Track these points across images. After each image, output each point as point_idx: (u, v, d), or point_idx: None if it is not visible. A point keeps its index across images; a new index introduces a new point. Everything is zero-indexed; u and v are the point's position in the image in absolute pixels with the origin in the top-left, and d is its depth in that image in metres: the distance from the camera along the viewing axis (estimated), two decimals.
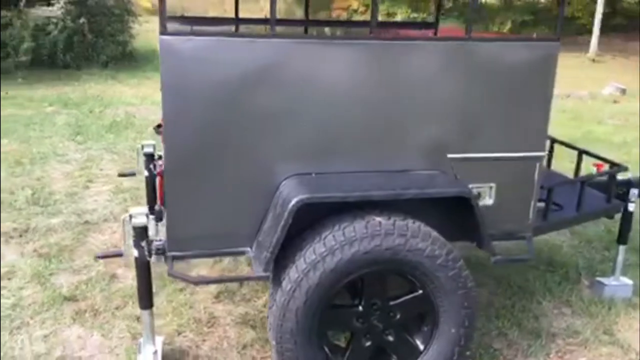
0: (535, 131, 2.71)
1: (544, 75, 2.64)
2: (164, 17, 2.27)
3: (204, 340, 3.01)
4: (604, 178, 3.31)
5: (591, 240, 4.49)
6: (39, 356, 2.85)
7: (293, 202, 2.32)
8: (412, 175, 2.58)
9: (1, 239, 4.08)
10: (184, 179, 2.41)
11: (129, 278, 3.50)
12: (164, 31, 2.26)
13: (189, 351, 2.92)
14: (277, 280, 2.44)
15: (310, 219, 2.46)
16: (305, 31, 3.87)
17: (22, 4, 11.99)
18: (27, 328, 3.08)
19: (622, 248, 3.61)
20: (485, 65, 2.58)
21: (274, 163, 2.47)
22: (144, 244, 2.52)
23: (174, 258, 2.49)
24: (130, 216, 2.49)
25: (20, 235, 4.15)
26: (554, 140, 3.88)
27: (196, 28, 2.89)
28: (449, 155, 2.64)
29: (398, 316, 2.56)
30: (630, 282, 3.67)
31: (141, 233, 2.51)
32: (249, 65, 2.35)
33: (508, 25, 19.64)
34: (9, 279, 3.55)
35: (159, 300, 3.35)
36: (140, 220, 2.50)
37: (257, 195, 2.48)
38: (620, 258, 3.63)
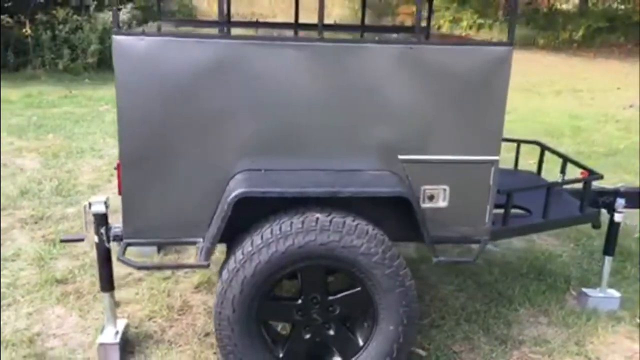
0: (489, 135, 2.72)
1: (497, 79, 2.64)
2: (117, 17, 2.44)
3: (171, 327, 3.16)
4: (579, 186, 3.25)
5: (594, 251, 4.38)
6: (17, 331, 3.07)
7: (232, 195, 2.44)
8: (358, 174, 2.64)
9: (17, 225, 4.39)
10: (138, 172, 2.56)
11: (118, 265, 3.69)
12: (117, 31, 2.43)
13: (154, 335, 3.08)
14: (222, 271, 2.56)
15: (261, 214, 2.57)
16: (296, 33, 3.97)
17: (92, 9, 12.66)
18: (16, 306, 3.33)
19: (607, 259, 3.53)
20: (437, 69, 2.60)
21: (225, 158, 2.59)
22: (103, 230, 2.69)
23: (129, 245, 2.66)
24: (90, 204, 2.68)
25: (36, 222, 4.45)
26: (543, 147, 3.84)
27: (151, 30, 3.03)
28: (400, 157, 2.68)
29: (338, 311, 2.63)
30: (617, 294, 3.57)
31: (100, 220, 2.69)
32: (198, 64, 2.48)
33: (580, 32, 19.02)
34: (12, 260, 3.83)
35: (140, 287, 3.54)
36: (99, 208, 2.68)
37: (208, 188, 2.59)
38: (606, 269, 3.54)
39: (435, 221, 2.77)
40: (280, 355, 2.63)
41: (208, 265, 2.55)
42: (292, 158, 2.64)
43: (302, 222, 2.46)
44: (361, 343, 2.66)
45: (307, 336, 2.64)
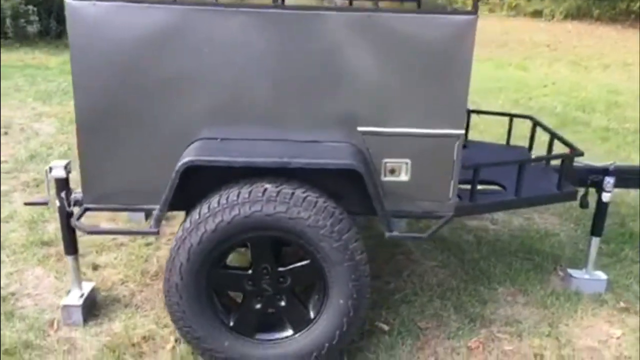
0: (452, 108, 2.62)
1: (460, 50, 2.53)
2: None
3: (141, 291, 3.22)
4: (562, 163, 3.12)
5: (573, 230, 4.23)
6: None
7: (180, 163, 2.44)
8: (314, 146, 2.59)
9: (19, 187, 4.52)
10: (93, 138, 2.58)
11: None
12: None
13: (122, 299, 3.14)
14: None
15: (220, 183, 2.56)
16: None
17: None
18: (1, 265, 3.44)
19: (594, 240, 3.40)
20: (397, 38, 2.51)
21: (181, 126, 2.57)
22: (63, 195, 2.74)
23: (88, 210, 2.70)
24: (50, 168, 2.72)
25: (37, 185, 4.57)
26: (535, 122, 3.70)
27: None
28: (360, 129, 2.62)
29: (288, 282, 2.61)
30: (604, 276, 3.45)
31: (61, 185, 2.73)
32: (149, 30, 2.45)
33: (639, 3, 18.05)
34: (6, 222, 3.95)
35: (120, 252, 3.61)
36: (59, 172, 2.72)
37: (165, 156, 2.58)
38: (592, 250, 3.42)
39: (397, 195, 2.71)
40: (231, 324, 2.64)
41: (157, 233, 2.56)
42: (252, 128, 2.60)
43: (249, 193, 2.44)
44: (312, 315, 2.64)
45: (258, 306, 2.64)
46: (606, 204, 3.31)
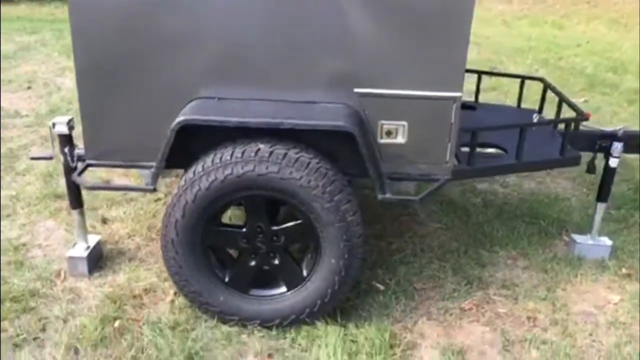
0: (450, 70, 2.58)
1: (459, 11, 2.49)
2: None
3: (146, 245, 3.31)
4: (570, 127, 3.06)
5: (585, 194, 4.18)
6: (8, 239, 3.31)
7: (175, 122, 2.48)
8: (310, 107, 2.59)
9: (38, 141, 4.65)
10: (93, 96, 2.63)
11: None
12: None
13: (127, 253, 3.24)
14: None
15: (219, 142, 2.60)
16: None
17: None
18: (15, 217, 3.57)
19: (600, 205, 3.36)
20: None
21: (179, 85, 2.60)
22: (67, 150, 2.82)
23: (90, 166, 2.77)
24: (54, 124, 2.79)
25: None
26: (546, 85, 3.63)
27: None
28: (356, 90, 2.62)
29: (282, 241, 2.66)
30: (608, 242, 3.42)
31: (64, 141, 2.80)
32: None
33: None
34: (23, 175, 4.08)
35: (130, 207, 3.71)
36: (62, 128, 2.79)
37: (163, 114, 2.62)
38: (598, 216, 3.38)
39: (394, 157, 2.72)
40: (226, 279, 2.71)
41: (154, 190, 2.62)
42: (250, 88, 2.62)
43: (242, 152, 2.48)
44: (305, 274, 2.70)
45: (253, 263, 2.70)
46: (614, 170, 3.26)
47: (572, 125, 3.06)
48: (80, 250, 3.02)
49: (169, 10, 2.48)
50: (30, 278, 2.98)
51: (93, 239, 3.12)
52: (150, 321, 2.71)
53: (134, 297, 2.88)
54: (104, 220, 3.53)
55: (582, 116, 3.03)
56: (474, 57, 8.69)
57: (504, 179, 4.36)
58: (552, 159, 3.06)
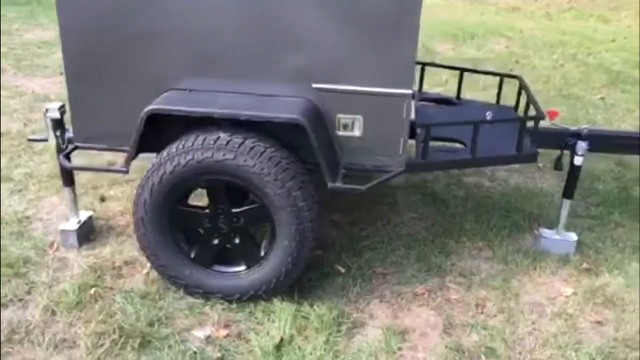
0: (400, 68, 2.76)
1: (405, 13, 2.66)
2: None
3: None
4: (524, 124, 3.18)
5: (590, 194, 4.25)
6: (16, 212, 3.67)
7: (144, 111, 2.75)
8: (270, 100, 2.81)
9: None
10: (80, 83, 2.92)
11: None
12: None
13: (117, 228, 3.55)
14: None
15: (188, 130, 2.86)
16: None
17: None
18: (25, 192, 3.93)
19: (566, 202, 3.47)
20: None
21: (156, 76, 2.86)
22: (58, 133, 3.13)
23: (77, 148, 3.08)
24: (47, 110, 3.10)
25: None
26: (521, 83, 3.73)
27: None
28: (314, 85, 2.83)
29: (242, 222, 2.91)
30: (573, 238, 3.52)
31: (55, 124, 3.12)
32: None
33: None
34: (40, 154, 4.45)
35: (128, 186, 4.02)
36: (54, 114, 3.10)
37: (142, 102, 2.87)
38: (564, 212, 3.49)
39: (351, 149, 2.92)
40: (192, 255, 2.98)
41: (127, 172, 2.91)
42: (221, 81, 2.86)
43: (203, 140, 2.72)
44: (263, 253, 2.94)
45: (216, 242, 2.96)
46: (579, 168, 3.36)
47: (536, 123, 3.18)
48: (72, 224, 3.34)
49: (145, 8, 2.75)
50: (27, 247, 3.31)
51: (85, 215, 3.44)
52: (124, 290, 3.00)
53: (114, 268, 3.18)
54: (102, 199, 3.85)
55: (539, 116, 3.14)
56: (501, 50, 8.71)
57: (493, 173, 4.48)
58: (507, 155, 3.19)
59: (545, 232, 3.56)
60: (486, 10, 13.04)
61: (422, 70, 4.04)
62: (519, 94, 3.74)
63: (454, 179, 4.37)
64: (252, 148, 2.72)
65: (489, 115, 3.16)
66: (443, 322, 2.93)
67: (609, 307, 3.08)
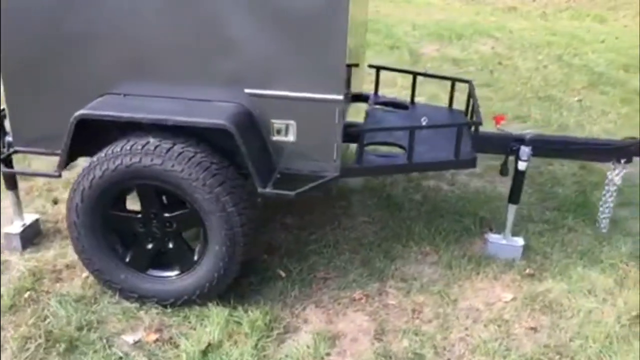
0: (330, 74, 2.76)
1: (335, 17, 2.66)
2: None
3: None
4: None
5: (548, 199, 4.23)
6: None
7: (73, 116, 2.77)
8: (202, 105, 2.82)
9: None
10: (17, 88, 2.94)
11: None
12: None
13: (64, 232, 3.53)
14: None
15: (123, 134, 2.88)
16: None
17: None
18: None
19: (512, 207, 3.45)
20: (274, 4, 2.67)
21: (92, 80, 2.88)
22: None
23: (16, 152, 3.10)
24: None
25: None
26: (471, 88, 3.72)
27: None
28: (246, 90, 2.83)
29: (174, 227, 2.91)
30: (520, 243, 3.51)
31: None
32: None
33: None
34: None
35: None
36: None
37: (79, 107, 2.89)
38: (510, 217, 3.47)
39: (286, 154, 2.93)
40: (127, 259, 2.99)
41: (59, 175, 2.92)
42: (156, 86, 2.88)
43: (132, 145, 2.73)
44: (196, 258, 2.94)
45: (149, 246, 2.97)
46: (522, 173, 3.34)
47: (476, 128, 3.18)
48: (16, 227, 3.36)
49: (79, 13, 2.76)
50: None
51: (31, 218, 3.46)
52: (59, 294, 3.02)
53: (54, 271, 3.20)
54: (55, 201, 3.87)
55: (476, 122, 3.13)
56: (486, 51, 8.68)
57: (453, 177, 4.47)
58: (445, 161, 3.17)
59: (492, 237, 3.54)
60: (482, 10, 12.98)
61: (377, 73, 4.03)
62: (469, 98, 3.72)
63: (413, 183, 4.36)
64: (180, 153, 2.72)
65: (424, 121, 3.15)
66: (375, 328, 2.93)
67: (546, 313, 3.06)
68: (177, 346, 2.78)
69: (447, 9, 12.84)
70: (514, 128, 5.52)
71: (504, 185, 4.36)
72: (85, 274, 3.17)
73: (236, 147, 2.76)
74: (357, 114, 3.66)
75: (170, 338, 2.83)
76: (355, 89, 3.80)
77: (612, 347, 2.82)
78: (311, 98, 2.80)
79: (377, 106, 3.87)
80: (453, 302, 3.13)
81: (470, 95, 3.59)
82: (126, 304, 2.99)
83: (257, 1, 2.67)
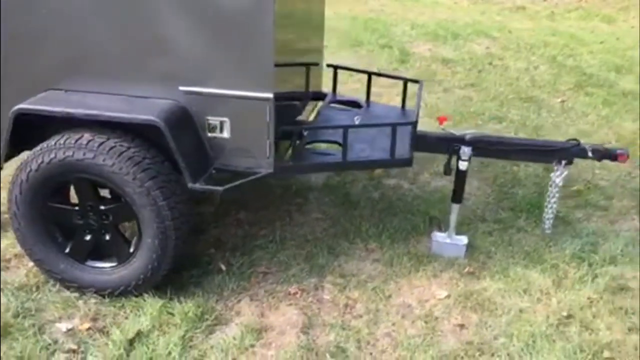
0: (259, 72, 2.83)
1: (261, 16, 2.72)
2: None
3: None
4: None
5: (505, 199, 4.25)
6: None
7: (11, 110, 2.87)
8: (137, 101, 2.91)
9: None
10: None
11: None
12: None
13: None
14: None
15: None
16: None
17: None
18: None
19: (454, 207, 3.49)
20: (201, 3, 2.74)
21: (37, 76, 2.98)
22: None
23: None
24: None
25: None
26: (420, 87, 3.75)
27: None
28: (181, 88, 2.92)
29: (110, 220, 3.01)
30: (464, 241, 3.54)
31: None
32: None
33: None
34: None
35: None
36: None
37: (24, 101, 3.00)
38: (453, 216, 3.51)
39: (221, 151, 3.01)
40: (67, 250, 3.09)
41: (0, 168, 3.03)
42: (97, 82, 2.97)
43: (66, 140, 2.83)
44: (131, 250, 3.03)
45: (88, 238, 3.06)
46: (464, 172, 3.38)
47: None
48: None
49: (21, 10, 2.86)
50: None
51: None
52: (3, 282, 3.13)
53: (6, 260, 3.31)
54: None
55: (413, 121, 3.17)
56: (480, 51, 8.67)
57: (415, 175, 4.50)
58: (380, 160, 3.22)
59: (437, 235, 3.58)
60: (488, 10, 12.91)
61: (335, 73, 4.09)
62: (419, 98, 3.75)
63: (374, 181, 4.41)
64: (112, 148, 2.81)
65: (357, 120, 3.20)
66: (305, 322, 2.99)
67: (477, 311, 3.10)
68: (108, 335, 2.87)
69: (454, 9, 12.80)
70: (488, 129, 5.57)
71: (469, 186, 4.38)
72: (31, 263, 3.27)
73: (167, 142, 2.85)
74: None
75: (104, 327, 2.92)
76: (313, 87, 3.87)
77: (535, 346, 2.85)
78: (242, 96, 2.88)
79: (333, 105, 3.92)
80: (387, 298, 3.17)
81: (417, 95, 3.63)
82: (67, 293, 3.10)
83: (188, 0, 2.75)
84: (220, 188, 2.91)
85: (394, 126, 3.14)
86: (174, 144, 2.82)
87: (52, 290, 3.11)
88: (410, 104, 3.91)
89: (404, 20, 10.69)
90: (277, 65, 2.85)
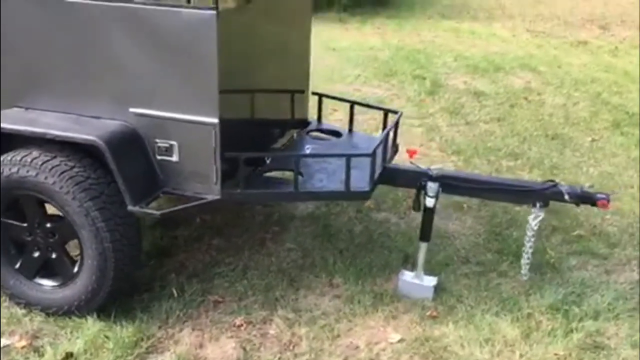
0: (204, 98, 2.78)
1: (204, 43, 2.69)
2: None
3: None
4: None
5: (494, 240, 4.01)
6: None
7: None
8: (86, 121, 2.92)
9: None
10: None
11: None
12: None
13: None
14: None
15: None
16: None
17: None
18: None
19: (423, 245, 3.31)
20: (148, 29, 2.74)
21: (8, 92, 3.03)
22: None
23: None
24: None
25: None
26: (398, 118, 3.61)
27: None
28: (131, 110, 2.91)
29: (56, 238, 3.00)
30: (432, 282, 3.34)
31: None
32: None
33: None
34: None
35: None
36: None
37: None
38: (421, 255, 3.33)
39: (171, 174, 2.97)
40: (17, 266, 3.10)
41: None
42: (53, 100, 3.00)
43: (13, 157, 2.86)
44: (75, 270, 3.01)
45: (35, 255, 3.07)
46: (431, 209, 3.20)
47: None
48: None
49: None
50: None
51: None
52: None
53: None
54: None
55: (369, 154, 3.02)
56: (519, 85, 8.38)
57: (406, 210, 4.33)
58: (335, 191, 3.09)
59: (404, 274, 3.40)
60: (547, 43, 12.51)
61: (320, 101, 3.99)
62: (396, 127, 3.60)
63: (362, 213, 4.25)
64: (55, 166, 2.82)
65: (308, 150, 3.09)
66: (241, 357, 2.87)
67: (428, 358, 2.89)
68: (42, 355, 2.84)
69: (509, 42, 12.47)
70: (500, 165, 5.32)
71: (453, 223, 4.20)
72: None
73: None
74: None
75: (41, 346, 2.90)
76: (297, 115, 3.80)
77: None
78: (189, 120, 2.84)
79: (312, 133, 3.83)
80: (334, 337, 3.02)
81: (394, 126, 3.48)
82: (16, 309, 3.10)
83: (135, 24, 2.74)
84: (157, 212, 2.87)
85: (348, 157, 3.00)
86: (114, 165, 2.79)
87: (4, 305, 3.13)
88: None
89: (451, 51, 10.47)
90: (226, 91, 2.79)
